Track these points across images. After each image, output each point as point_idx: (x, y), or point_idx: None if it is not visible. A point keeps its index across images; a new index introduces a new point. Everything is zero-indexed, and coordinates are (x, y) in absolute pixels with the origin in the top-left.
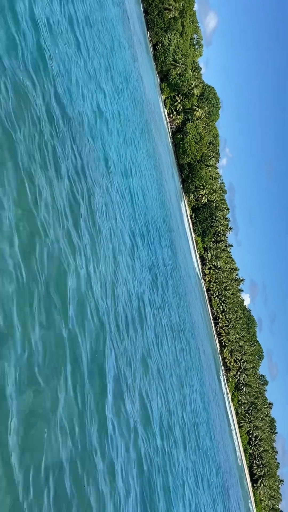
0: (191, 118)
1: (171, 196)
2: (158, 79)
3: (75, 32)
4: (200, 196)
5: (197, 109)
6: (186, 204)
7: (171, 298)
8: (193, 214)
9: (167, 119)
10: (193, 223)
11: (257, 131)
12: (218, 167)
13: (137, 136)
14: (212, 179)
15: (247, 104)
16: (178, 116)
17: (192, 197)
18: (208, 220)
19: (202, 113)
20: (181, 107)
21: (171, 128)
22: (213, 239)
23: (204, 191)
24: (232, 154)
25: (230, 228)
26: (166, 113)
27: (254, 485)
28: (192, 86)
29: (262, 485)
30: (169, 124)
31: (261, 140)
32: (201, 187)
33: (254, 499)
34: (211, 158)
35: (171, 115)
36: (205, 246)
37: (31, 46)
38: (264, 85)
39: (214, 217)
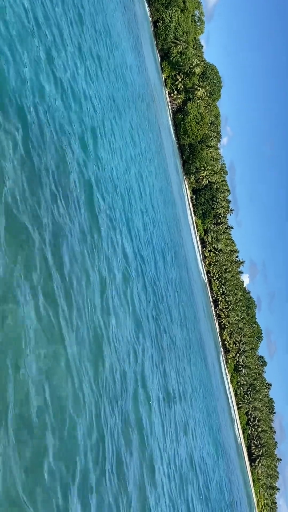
0: (192, 98)
1: (172, 179)
2: (159, 57)
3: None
4: (200, 177)
5: (198, 88)
6: (187, 186)
7: (173, 271)
8: (194, 196)
9: (168, 98)
10: (193, 205)
11: (258, 108)
12: (219, 147)
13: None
14: (213, 160)
15: (248, 81)
16: (179, 96)
17: (192, 178)
18: (208, 202)
19: (203, 92)
20: (182, 86)
21: (171, 107)
22: (213, 221)
23: (205, 173)
24: (233, 133)
25: (231, 210)
26: (167, 92)
27: (252, 464)
28: (193, 64)
29: (260, 464)
30: (169, 103)
31: (262, 117)
32: (202, 168)
33: (252, 478)
34: (212, 139)
35: (172, 95)
36: (206, 228)
37: None
38: (266, 61)
39: (214, 199)
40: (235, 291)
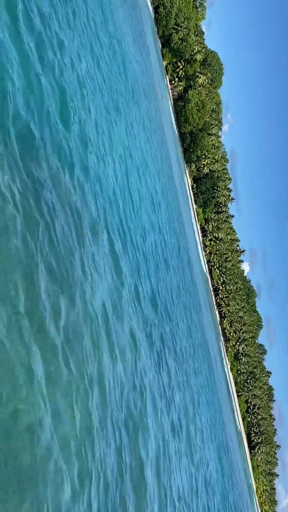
0: (193, 85)
1: (174, 169)
2: (160, 44)
3: None
4: (201, 166)
5: (199, 75)
6: (188, 174)
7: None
8: (195, 185)
9: (169, 86)
10: (194, 194)
11: (260, 95)
12: (220, 135)
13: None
14: (214, 148)
15: (249, 67)
16: (180, 83)
17: (193, 167)
18: (209, 190)
19: (204, 79)
20: (183, 73)
21: (172, 95)
22: (214, 210)
23: (206, 161)
24: (234, 120)
25: (232, 199)
26: (168, 80)
27: (252, 451)
28: (194, 51)
29: (259, 451)
30: (170, 91)
31: (263, 104)
32: (203, 157)
33: (252, 465)
34: (213, 127)
35: (173, 82)
36: (206, 217)
37: None
38: (268, 47)
39: (215, 187)
40: (236, 280)
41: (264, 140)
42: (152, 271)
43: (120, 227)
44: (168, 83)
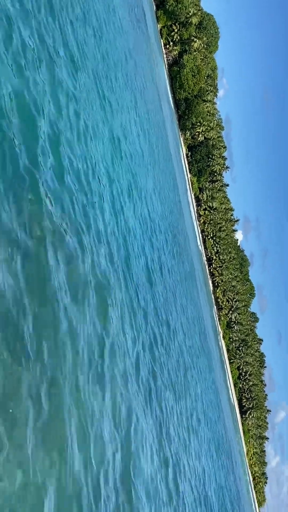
0: (189, 50)
1: (169, 137)
2: (154, 6)
3: None
4: (196, 133)
5: (195, 39)
6: (182, 142)
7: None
8: (189, 153)
9: (164, 50)
10: (189, 163)
11: (256, 59)
12: (216, 101)
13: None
14: (210, 115)
15: (246, 31)
16: (175, 47)
17: (188, 134)
18: (204, 159)
19: (200, 44)
20: (178, 37)
21: (167, 60)
22: (208, 179)
23: (201, 128)
24: (230, 85)
25: (227, 167)
26: (163, 44)
27: (243, 416)
28: (190, 14)
29: (250, 416)
30: (165, 55)
31: (260, 69)
32: (198, 124)
33: (243, 429)
34: (208, 93)
35: (168, 46)
36: (201, 186)
37: None
38: (264, 10)
39: (210, 156)
40: (229, 249)
41: (260, 106)
42: (146, 240)
43: (113, 195)
44: (163, 47)
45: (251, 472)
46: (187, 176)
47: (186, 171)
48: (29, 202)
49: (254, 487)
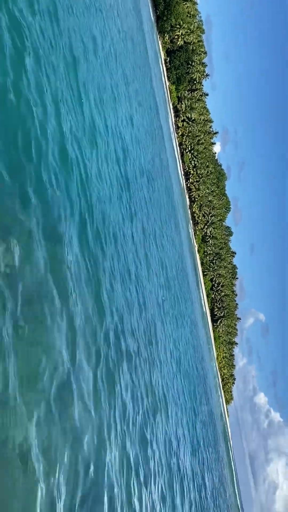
0: None
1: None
2: None
3: None
4: (175, 37)
5: None
6: (161, 46)
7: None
8: (168, 59)
9: None
10: (167, 69)
11: None
12: (196, 1)
13: None
14: (190, 16)
15: None
16: None
17: (167, 37)
18: (183, 65)
19: None
20: None
21: None
22: (188, 88)
23: (181, 31)
24: None
25: (207, 75)
26: None
27: (214, 324)
28: None
29: (221, 324)
30: None
31: None
32: (177, 26)
33: (214, 336)
34: None
35: None
36: (179, 95)
37: None
38: None
39: (190, 62)
40: (207, 163)
41: (245, 4)
42: (120, 149)
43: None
44: None
45: (220, 374)
46: (166, 83)
47: (165, 79)
48: None
49: (223, 387)
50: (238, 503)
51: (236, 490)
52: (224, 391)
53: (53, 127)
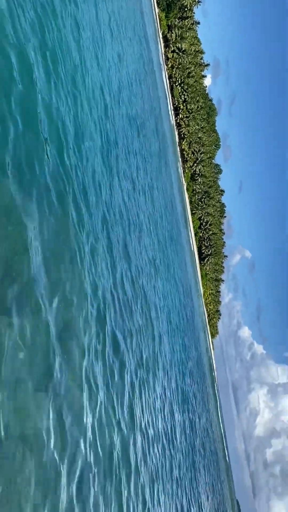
0: None
1: None
2: None
3: None
4: None
5: None
6: None
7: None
8: None
9: None
10: None
11: None
12: None
13: None
14: None
15: None
16: None
17: None
18: None
19: None
20: None
21: None
22: (178, 15)
23: None
24: None
25: (198, 1)
26: None
27: (202, 262)
28: None
29: (208, 262)
30: None
31: None
32: None
33: (201, 273)
34: None
35: None
36: (169, 23)
37: None
38: None
39: None
40: (197, 98)
41: None
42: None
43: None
44: None
45: (207, 310)
46: (155, 10)
47: (154, 5)
48: None
49: (209, 322)
50: (221, 427)
51: (219, 417)
52: (210, 326)
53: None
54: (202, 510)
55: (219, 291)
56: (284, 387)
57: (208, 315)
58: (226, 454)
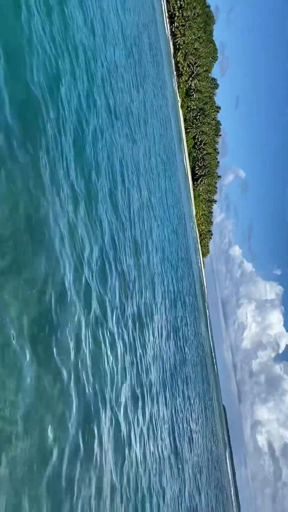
0: None
1: None
2: None
3: None
4: None
5: None
6: None
7: None
8: None
9: None
10: None
11: None
12: None
13: None
14: None
15: None
16: None
17: None
18: None
19: None
20: None
21: None
22: None
23: None
24: None
25: None
26: None
27: (195, 183)
28: None
29: (201, 183)
30: None
31: None
32: None
33: (194, 195)
34: None
35: None
36: None
37: None
38: None
39: None
40: (194, 4)
41: None
42: None
43: None
44: None
45: (198, 230)
46: None
47: None
48: None
49: (200, 242)
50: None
51: (209, 332)
52: (201, 246)
53: None
54: (191, 404)
55: (212, 212)
56: (271, 303)
57: (200, 235)
58: (214, 362)
